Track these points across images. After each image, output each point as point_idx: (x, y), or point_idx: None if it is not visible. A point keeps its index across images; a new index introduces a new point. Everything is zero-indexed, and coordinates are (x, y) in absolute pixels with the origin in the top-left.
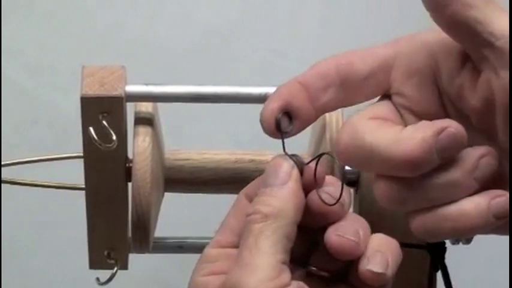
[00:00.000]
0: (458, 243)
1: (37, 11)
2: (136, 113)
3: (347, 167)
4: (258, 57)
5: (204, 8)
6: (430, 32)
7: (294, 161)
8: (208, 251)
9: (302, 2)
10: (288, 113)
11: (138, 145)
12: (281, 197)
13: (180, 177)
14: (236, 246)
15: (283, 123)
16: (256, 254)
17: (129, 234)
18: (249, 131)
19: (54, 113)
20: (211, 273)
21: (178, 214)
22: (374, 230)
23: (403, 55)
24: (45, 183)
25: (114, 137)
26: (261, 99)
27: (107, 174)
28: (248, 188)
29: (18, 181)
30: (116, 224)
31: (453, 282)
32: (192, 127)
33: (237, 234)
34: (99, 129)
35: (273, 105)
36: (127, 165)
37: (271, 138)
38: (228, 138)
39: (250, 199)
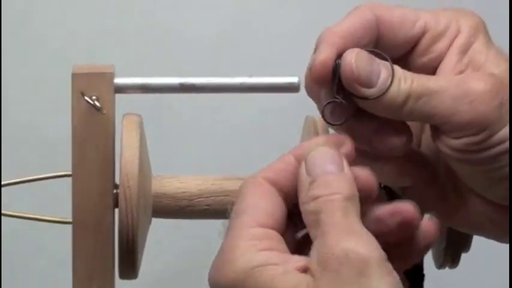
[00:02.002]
0: (444, 267)
1: (29, 32)
2: (122, 138)
3: None
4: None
5: None
6: None
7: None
8: (253, 229)
9: None
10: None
11: (126, 164)
12: (349, 182)
13: (166, 204)
14: (274, 228)
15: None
16: (355, 225)
17: (116, 265)
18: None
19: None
20: (265, 250)
21: None
22: None
23: None
24: (33, 216)
25: (104, 111)
26: (241, 88)
27: (94, 198)
28: (268, 173)
29: (4, 212)
30: (102, 254)
31: None
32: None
33: (274, 217)
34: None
35: (329, 50)
36: (114, 191)
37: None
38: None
39: (275, 184)
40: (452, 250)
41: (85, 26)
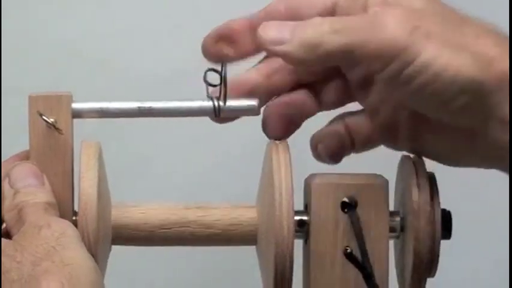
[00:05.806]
0: None
1: None
2: (81, 164)
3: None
4: None
5: None
6: None
7: None
8: None
9: None
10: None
11: (84, 192)
12: (48, 193)
13: (127, 231)
14: None
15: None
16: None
17: None
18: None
19: None
20: None
21: None
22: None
23: None
24: None
25: (62, 132)
26: (199, 112)
27: None
28: None
29: None
30: None
31: None
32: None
33: None
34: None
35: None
36: (74, 218)
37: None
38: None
39: None
40: (417, 275)
41: (43, 57)
